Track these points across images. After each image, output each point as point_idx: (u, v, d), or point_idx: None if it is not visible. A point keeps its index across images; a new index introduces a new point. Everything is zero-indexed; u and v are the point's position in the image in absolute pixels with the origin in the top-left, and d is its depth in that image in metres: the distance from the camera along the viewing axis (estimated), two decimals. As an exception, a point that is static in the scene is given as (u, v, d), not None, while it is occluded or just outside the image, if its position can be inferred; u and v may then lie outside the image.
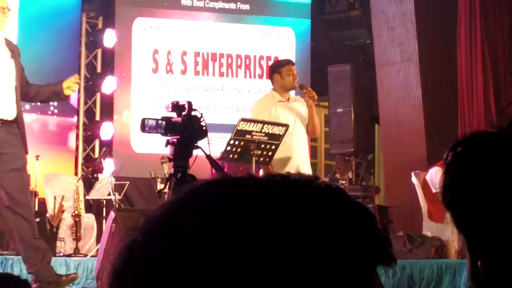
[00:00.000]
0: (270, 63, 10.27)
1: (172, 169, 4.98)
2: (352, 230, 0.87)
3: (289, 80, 7.77)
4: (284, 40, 12.32)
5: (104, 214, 10.26)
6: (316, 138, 14.25)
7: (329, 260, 0.85)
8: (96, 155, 11.79)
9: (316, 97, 7.83)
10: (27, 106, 11.22)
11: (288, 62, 8.00)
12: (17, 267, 8.45)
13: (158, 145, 6.07)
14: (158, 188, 9.22)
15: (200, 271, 0.82)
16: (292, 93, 8.00)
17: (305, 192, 0.88)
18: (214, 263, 0.82)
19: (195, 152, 4.96)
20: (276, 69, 7.88)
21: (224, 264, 0.82)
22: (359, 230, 0.87)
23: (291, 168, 7.53)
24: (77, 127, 11.84)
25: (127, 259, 0.87)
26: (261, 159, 7.31)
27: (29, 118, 11.22)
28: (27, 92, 6.60)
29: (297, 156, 7.63)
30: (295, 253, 0.83)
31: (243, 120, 7.30)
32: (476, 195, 1.24)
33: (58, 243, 9.87)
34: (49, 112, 11.38)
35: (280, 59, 8.69)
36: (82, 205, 10.18)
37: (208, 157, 4.94)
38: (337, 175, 11.44)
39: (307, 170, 7.69)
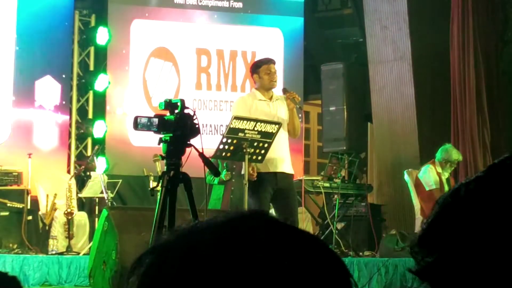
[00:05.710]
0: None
1: (165, 167, 4.97)
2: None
3: (267, 79, 7.69)
4: (273, 39, 12.33)
5: (96, 212, 10.26)
6: (309, 136, 14.26)
7: None
8: (89, 153, 11.76)
9: (298, 100, 7.73)
10: (20, 104, 11.21)
11: (267, 62, 7.89)
12: (9, 264, 8.44)
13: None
14: (151, 186, 9.21)
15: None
16: (276, 92, 7.90)
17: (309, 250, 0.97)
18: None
19: (188, 150, 4.96)
20: (256, 69, 7.82)
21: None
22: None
23: (273, 167, 7.48)
24: (70, 125, 11.82)
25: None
26: (254, 157, 7.30)
27: (21, 116, 11.20)
28: None
29: (277, 155, 7.55)
30: None
31: (236, 118, 7.28)
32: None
33: (51, 241, 9.87)
34: (42, 110, 11.35)
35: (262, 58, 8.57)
36: (74, 203, 10.17)
37: (201, 155, 4.94)
38: (332, 174, 11.44)
39: (287, 168, 7.62)
